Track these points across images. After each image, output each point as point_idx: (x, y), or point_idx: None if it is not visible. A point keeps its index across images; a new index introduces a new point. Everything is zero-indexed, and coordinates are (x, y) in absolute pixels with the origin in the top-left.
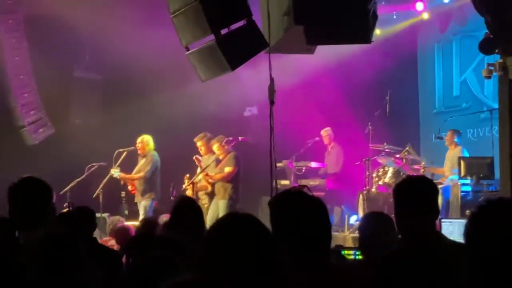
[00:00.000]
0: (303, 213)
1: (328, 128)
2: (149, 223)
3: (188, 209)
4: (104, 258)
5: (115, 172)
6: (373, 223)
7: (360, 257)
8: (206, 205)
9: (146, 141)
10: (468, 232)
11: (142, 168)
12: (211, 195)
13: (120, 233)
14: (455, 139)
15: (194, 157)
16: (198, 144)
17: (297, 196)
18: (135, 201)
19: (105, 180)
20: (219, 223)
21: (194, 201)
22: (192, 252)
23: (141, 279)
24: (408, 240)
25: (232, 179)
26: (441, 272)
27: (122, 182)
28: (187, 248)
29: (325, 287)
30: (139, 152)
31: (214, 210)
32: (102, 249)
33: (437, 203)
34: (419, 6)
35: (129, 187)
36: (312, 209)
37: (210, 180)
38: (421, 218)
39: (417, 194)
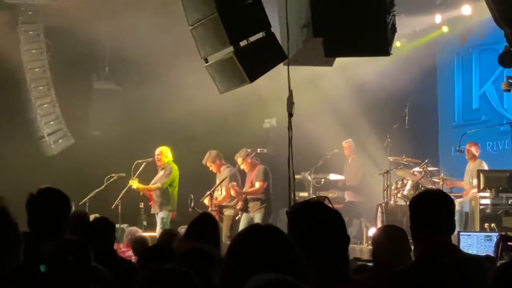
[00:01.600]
0: (320, 224)
1: (349, 140)
2: (168, 235)
3: (206, 224)
4: (122, 270)
5: (133, 183)
6: (386, 236)
7: None
8: (233, 217)
9: (164, 153)
10: None
11: (159, 179)
12: (244, 209)
13: (138, 244)
14: (475, 152)
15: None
16: (208, 164)
17: (316, 206)
18: (152, 212)
19: (123, 191)
20: (242, 235)
21: (213, 217)
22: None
23: None
24: (422, 254)
25: (264, 193)
26: (454, 285)
27: (141, 193)
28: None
29: None
30: (157, 163)
31: (248, 223)
32: (120, 261)
33: (453, 217)
34: (438, 18)
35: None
36: (329, 221)
37: (242, 197)
38: (436, 232)
39: (433, 208)
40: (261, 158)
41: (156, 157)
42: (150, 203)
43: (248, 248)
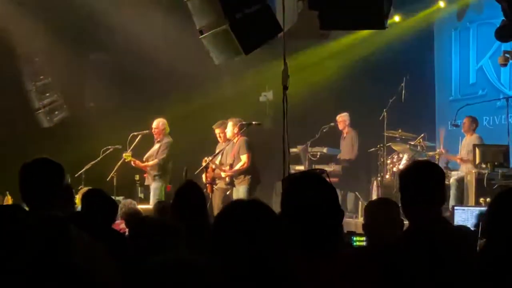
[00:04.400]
0: (313, 196)
1: (344, 114)
2: (160, 207)
3: (189, 195)
4: (113, 241)
5: (127, 156)
6: (377, 209)
7: (358, 243)
8: (226, 191)
9: (161, 125)
10: (483, 222)
11: (156, 154)
12: (231, 182)
13: (130, 217)
14: (472, 127)
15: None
16: (217, 131)
17: (311, 178)
18: (146, 184)
19: (119, 163)
20: (225, 210)
21: (196, 186)
22: (190, 237)
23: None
24: (412, 225)
25: (249, 165)
26: (444, 257)
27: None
28: (183, 233)
29: (325, 269)
30: (155, 136)
31: (235, 196)
32: (111, 232)
33: (443, 188)
34: None
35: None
36: (322, 194)
37: (230, 174)
38: (426, 203)
39: (421, 179)
40: (256, 131)
41: (153, 130)
42: (144, 175)
43: (226, 226)
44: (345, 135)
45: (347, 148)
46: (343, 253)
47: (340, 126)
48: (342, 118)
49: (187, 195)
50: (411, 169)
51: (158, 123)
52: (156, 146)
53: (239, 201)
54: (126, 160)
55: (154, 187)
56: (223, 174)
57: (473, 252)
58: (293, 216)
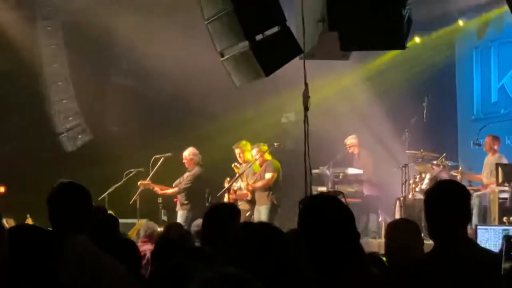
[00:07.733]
0: (328, 217)
1: (352, 136)
2: (171, 229)
3: (222, 215)
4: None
5: (143, 185)
6: (397, 230)
7: None
8: (247, 212)
9: (189, 155)
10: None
11: (182, 181)
12: (252, 202)
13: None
14: (494, 145)
15: (233, 165)
16: (237, 151)
17: (326, 200)
18: (176, 210)
19: (141, 188)
20: (234, 234)
21: (232, 206)
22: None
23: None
24: (439, 245)
25: (272, 185)
26: (470, 278)
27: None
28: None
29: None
30: (186, 165)
31: (257, 217)
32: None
33: (469, 208)
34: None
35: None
36: (337, 215)
37: (250, 189)
38: (451, 223)
39: (447, 199)
40: (278, 152)
41: (183, 159)
42: (175, 200)
43: (239, 248)
44: (357, 157)
45: (364, 169)
46: (361, 276)
47: (352, 150)
48: (351, 142)
49: (215, 216)
50: (437, 189)
51: (187, 153)
52: (186, 174)
53: (245, 226)
54: (143, 187)
55: (180, 214)
56: (243, 185)
57: (498, 275)
58: (309, 238)
